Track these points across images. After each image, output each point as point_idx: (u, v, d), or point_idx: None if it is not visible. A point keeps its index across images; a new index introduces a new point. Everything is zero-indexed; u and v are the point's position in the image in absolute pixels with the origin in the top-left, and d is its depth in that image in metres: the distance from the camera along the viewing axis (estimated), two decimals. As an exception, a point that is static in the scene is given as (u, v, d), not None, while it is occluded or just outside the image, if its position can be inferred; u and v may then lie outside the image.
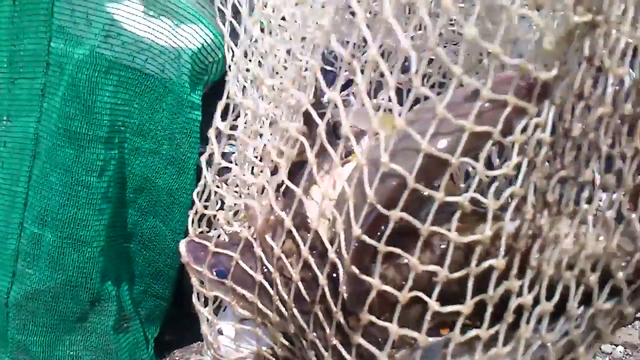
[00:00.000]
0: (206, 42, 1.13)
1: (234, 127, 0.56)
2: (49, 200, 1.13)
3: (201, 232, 0.60)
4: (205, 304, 0.59)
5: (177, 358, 1.39)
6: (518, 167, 0.43)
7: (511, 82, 0.42)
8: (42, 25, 1.10)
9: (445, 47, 0.63)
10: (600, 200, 0.43)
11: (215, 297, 0.58)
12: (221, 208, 0.60)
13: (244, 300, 0.56)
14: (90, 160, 1.11)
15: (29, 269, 1.15)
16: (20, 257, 1.16)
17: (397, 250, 0.43)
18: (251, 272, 0.54)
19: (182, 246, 0.58)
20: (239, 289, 0.55)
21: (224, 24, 0.57)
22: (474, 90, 0.43)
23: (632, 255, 0.42)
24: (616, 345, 1.44)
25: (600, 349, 1.44)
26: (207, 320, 0.60)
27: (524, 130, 0.43)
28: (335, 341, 0.48)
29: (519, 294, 0.42)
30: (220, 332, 0.61)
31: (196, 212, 0.59)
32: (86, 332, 1.22)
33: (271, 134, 0.58)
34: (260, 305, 0.55)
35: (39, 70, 1.11)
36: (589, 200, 0.41)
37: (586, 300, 0.43)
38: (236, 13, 0.56)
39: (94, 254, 1.15)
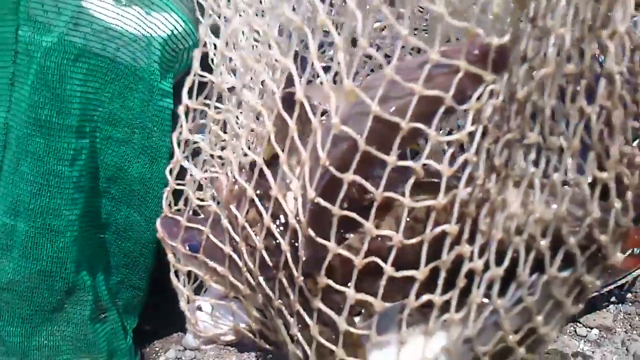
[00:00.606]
0: (176, 29, 1.13)
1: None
2: (20, 191, 1.12)
3: (178, 210, 0.61)
4: (184, 280, 0.59)
5: (157, 349, 1.38)
6: (471, 134, 0.44)
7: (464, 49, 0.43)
8: (9, 13, 1.08)
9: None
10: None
11: (196, 276, 0.59)
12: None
13: (217, 274, 0.57)
14: (61, 150, 1.10)
15: (2, 260, 1.15)
16: (-7, 248, 1.15)
17: (352, 214, 0.44)
18: (220, 244, 0.55)
19: (158, 222, 0.59)
20: (210, 263, 0.56)
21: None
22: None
23: (583, 220, 0.42)
24: (591, 328, 1.45)
25: (576, 332, 1.46)
26: (185, 296, 0.61)
27: (479, 98, 0.44)
28: (298, 307, 0.49)
29: (471, 260, 0.43)
30: (199, 309, 0.62)
31: (169, 189, 0.60)
32: (63, 322, 1.21)
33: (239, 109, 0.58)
34: (232, 278, 0.56)
35: (7, 59, 1.10)
36: (536, 164, 0.41)
37: (541, 267, 0.43)
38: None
39: (68, 243, 1.14)
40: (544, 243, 0.40)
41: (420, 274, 0.43)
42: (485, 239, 0.42)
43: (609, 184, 0.37)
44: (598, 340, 1.41)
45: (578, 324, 1.46)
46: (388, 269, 0.44)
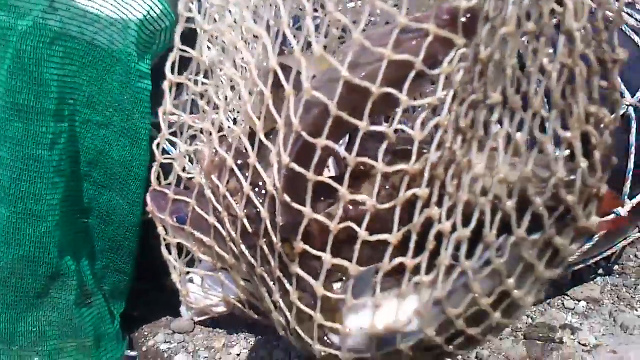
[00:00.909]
0: (152, 10, 1.12)
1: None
2: (0, 176, 1.11)
3: (168, 185, 0.61)
4: (175, 254, 0.60)
5: (145, 333, 1.39)
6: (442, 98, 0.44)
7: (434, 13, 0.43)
8: (-16, -2, 1.07)
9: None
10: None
11: (188, 250, 0.59)
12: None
13: (204, 245, 0.57)
14: (40, 134, 1.09)
15: (-16, 246, 1.14)
16: (-25, 234, 1.14)
17: (326, 180, 0.45)
18: (205, 215, 0.55)
19: (147, 196, 0.60)
20: (197, 234, 0.57)
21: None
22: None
23: (548, 181, 0.41)
24: (579, 301, 1.47)
25: (564, 304, 1.47)
26: (175, 268, 0.61)
27: (450, 62, 0.44)
28: (279, 273, 0.50)
29: (440, 222, 0.43)
30: (190, 281, 0.62)
31: (157, 163, 0.60)
32: (48, 308, 1.20)
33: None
34: (218, 249, 0.56)
35: (-16, 45, 1.09)
36: (500, 124, 0.41)
37: (509, 229, 0.42)
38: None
39: (50, 228, 1.13)
40: (509, 204, 0.39)
41: (393, 237, 0.43)
42: (453, 202, 0.42)
43: (573, 144, 0.37)
44: (586, 313, 1.43)
45: (566, 296, 1.48)
46: (362, 234, 0.44)
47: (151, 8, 1.12)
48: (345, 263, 0.45)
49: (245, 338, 1.35)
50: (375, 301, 0.45)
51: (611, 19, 0.37)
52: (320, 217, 0.45)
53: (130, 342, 1.34)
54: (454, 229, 0.42)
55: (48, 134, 1.10)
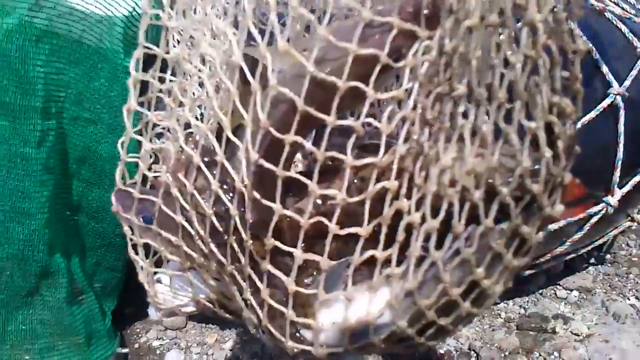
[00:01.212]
0: (138, 7, 1.12)
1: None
2: (-12, 174, 1.11)
3: (134, 183, 0.61)
4: (142, 253, 0.59)
5: (137, 330, 1.39)
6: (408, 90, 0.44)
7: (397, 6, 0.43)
8: (-32, -3, 1.07)
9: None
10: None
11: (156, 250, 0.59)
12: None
13: (171, 244, 0.57)
14: (27, 131, 1.09)
15: (-27, 245, 1.14)
16: (-36, 233, 1.14)
17: (295, 175, 0.44)
18: (172, 214, 0.55)
19: (112, 196, 0.59)
20: (164, 233, 0.56)
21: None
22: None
23: (514, 171, 0.41)
24: (571, 290, 1.47)
25: (556, 294, 1.48)
26: (142, 268, 0.61)
27: (415, 55, 0.44)
28: (249, 270, 0.49)
29: (409, 214, 0.43)
30: (158, 281, 0.62)
31: (121, 162, 0.60)
32: (39, 306, 1.21)
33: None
34: (186, 248, 0.56)
35: (-32, 43, 1.09)
36: (465, 116, 0.41)
37: (476, 219, 0.42)
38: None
39: (39, 226, 1.14)
40: (477, 194, 0.39)
41: (364, 230, 0.43)
42: (422, 193, 0.42)
43: (537, 134, 0.38)
44: (578, 302, 1.44)
45: (558, 286, 1.49)
46: (333, 227, 0.44)
47: (136, 4, 1.12)
48: (316, 257, 0.45)
49: (237, 333, 1.35)
50: (347, 295, 0.45)
51: (572, 9, 0.37)
52: (291, 213, 0.45)
53: (122, 339, 1.35)
54: (423, 220, 0.42)
55: (35, 131, 1.10)
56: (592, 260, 1.54)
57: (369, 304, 0.45)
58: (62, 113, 1.14)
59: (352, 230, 0.44)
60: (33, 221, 1.13)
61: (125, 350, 1.30)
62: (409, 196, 0.43)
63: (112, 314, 1.32)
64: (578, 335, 1.33)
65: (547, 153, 0.38)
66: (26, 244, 1.15)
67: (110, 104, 1.16)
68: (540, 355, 1.30)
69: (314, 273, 0.51)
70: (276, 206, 0.45)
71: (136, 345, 1.35)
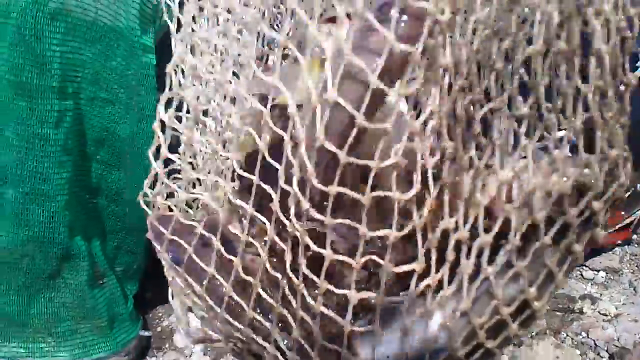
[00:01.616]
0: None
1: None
2: (6, 156, 1.09)
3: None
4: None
5: (160, 314, 1.38)
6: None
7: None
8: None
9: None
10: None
11: None
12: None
13: (195, 293, 0.54)
14: (44, 112, 1.06)
15: (-6, 229, 1.12)
16: (-16, 217, 1.13)
17: (344, 221, 0.41)
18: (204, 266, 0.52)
19: (148, 220, 0.56)
20: (190, 280, 0.53)
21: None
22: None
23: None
24: (598, 271, 1.46)
25: (582, 275, 1.46)
26: (177, 294, 0.58)
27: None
28: (302, 313, 0.47)
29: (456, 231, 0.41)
30: (190, 310, 0.59)
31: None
32: (60, 289, 1.19)
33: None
34: (210, 301, 0.53)
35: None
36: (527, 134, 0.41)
37: (529, 234, 0.42)
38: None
39: (59, 208, 1.12)
40: (541, 214, 0.38)
41: (418, 265, 0.41)
42: (466, 208, 0.40)
43: (618, 161, 0.38)
44: (605, 283, 1.43)
45: (584, 267, 1.46)
46: (388, 267, 0.41)
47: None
48: (371, 295, 0.43)
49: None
50: (404, 326, 0.43)
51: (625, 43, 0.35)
52: (342, 257, 0.42)
53: (145, 322, 1.33)
54: (471, 235, 0.40)
55: (53, 111, 1.06)
56: (619, 242, 1.52)
57: (424, 331, 0.43)
58: (79, 93, 1.11)
59: (408, 267, 0.41)
60: (53, 203, 1.11)
61: (148, 333, 1.29)
62: (451, 213, 0.40)
63: (134, 298, 1.31)
64: (606, 315, 1.32)
65: (623, 178, 0.39)
66: (46, 226, 1.12)
67: (127, 84, 1.12)
68: (567, 335, 1.28)
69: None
70: (327, 253, 0.42)
71: (158, 329, 1.34)
